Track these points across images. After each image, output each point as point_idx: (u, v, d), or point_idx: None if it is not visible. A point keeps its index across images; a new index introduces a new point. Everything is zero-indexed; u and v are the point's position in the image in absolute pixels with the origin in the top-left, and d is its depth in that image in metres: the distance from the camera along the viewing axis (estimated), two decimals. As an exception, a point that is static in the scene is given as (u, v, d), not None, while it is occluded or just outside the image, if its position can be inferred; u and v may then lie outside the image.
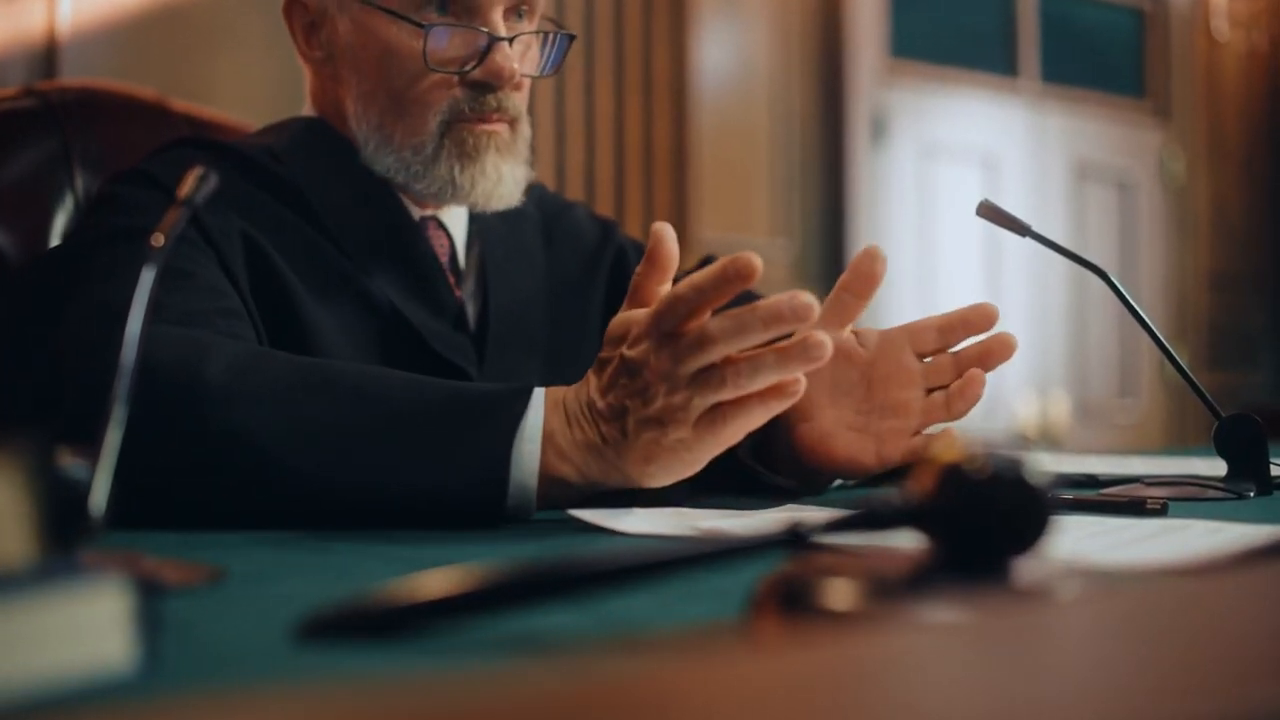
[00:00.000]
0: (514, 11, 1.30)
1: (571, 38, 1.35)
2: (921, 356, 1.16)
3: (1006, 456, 0.57)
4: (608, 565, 0.57)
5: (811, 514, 0.95)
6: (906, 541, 0.59)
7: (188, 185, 0.77)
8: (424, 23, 1.25)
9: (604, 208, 3.65)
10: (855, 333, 1.17)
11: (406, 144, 1.28)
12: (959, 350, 1.16)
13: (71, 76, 2.62)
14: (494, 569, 0.56)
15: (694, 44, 3.84)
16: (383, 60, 1.28)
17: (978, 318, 1.15)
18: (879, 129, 4.38)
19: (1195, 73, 5.35)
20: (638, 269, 1.00)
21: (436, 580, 0.56)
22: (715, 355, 0.90)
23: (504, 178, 1.30)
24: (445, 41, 1.26)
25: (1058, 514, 0.57)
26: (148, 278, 0.71)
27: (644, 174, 3.78)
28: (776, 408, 0.92)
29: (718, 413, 0.92)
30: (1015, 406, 4.69)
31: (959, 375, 1.14)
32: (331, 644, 0.54)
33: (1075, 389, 4.90)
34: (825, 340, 0.89)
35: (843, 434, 1.15)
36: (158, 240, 0.73)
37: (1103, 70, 5.19)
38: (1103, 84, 5.16)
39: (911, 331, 1.16)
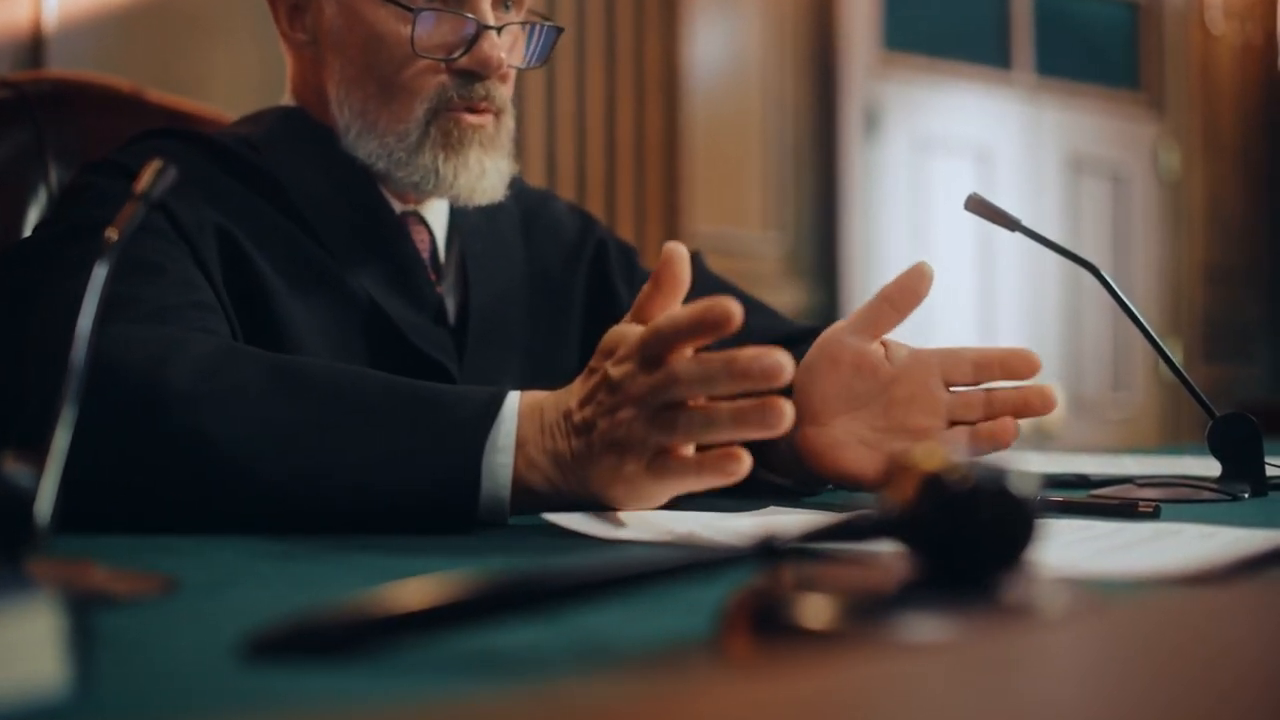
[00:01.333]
0: (501, 1, 1.27)
1: (559, 30, 1.32)
2: (949, 385, 1.12)
3: (990, 464, 0.54)
4: (575, 579, 0.55)
5: (789, 520, 0.92)
6: (886, 553, 0.57)
7: (145, 178, 0.74)
8: (412, 7, 1.23)
9: (595, 201, 3.62)
10: (885, 344, 1.13)
11: (391, 130, 1.26)
12: (995, 390, 1.12)
13: (58, 69, 2.59)
14: (456, 582, 0.53)
15: (686, 36, 3.82)
16: (369, 44, 1.25)
17: (1019, 363, 1.10)
18: (872, 122, 4.36)
19: (1190, 66, 5.33)
20: (644, 287, 0.96)
21: (395, 595, 0.53)
22: (678, 396, 0.87)
23: (487, 172, 1.27)
24: (432, 27, 1.24)
25: (1043, 525, 0.55)
26: (100, 275, 0.69)
27: (636, 167, 3.76)
28: (710, 481, 0.89)
29: (666, 459, 0.89)
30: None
31: (988, 415, 1.10)
32: (281, 663, 0.51)
33: (1069, 383, 4.88)
34: (786, 410, 0.86)
35: (853, 446, 1.11)
36: (112, 235, 0.70)
37: (1097, 63, 5.17)
38: (1097, 77, 5.14)
39: (945, 358, 1.11)
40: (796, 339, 1.34)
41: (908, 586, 0.54)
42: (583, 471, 0.92)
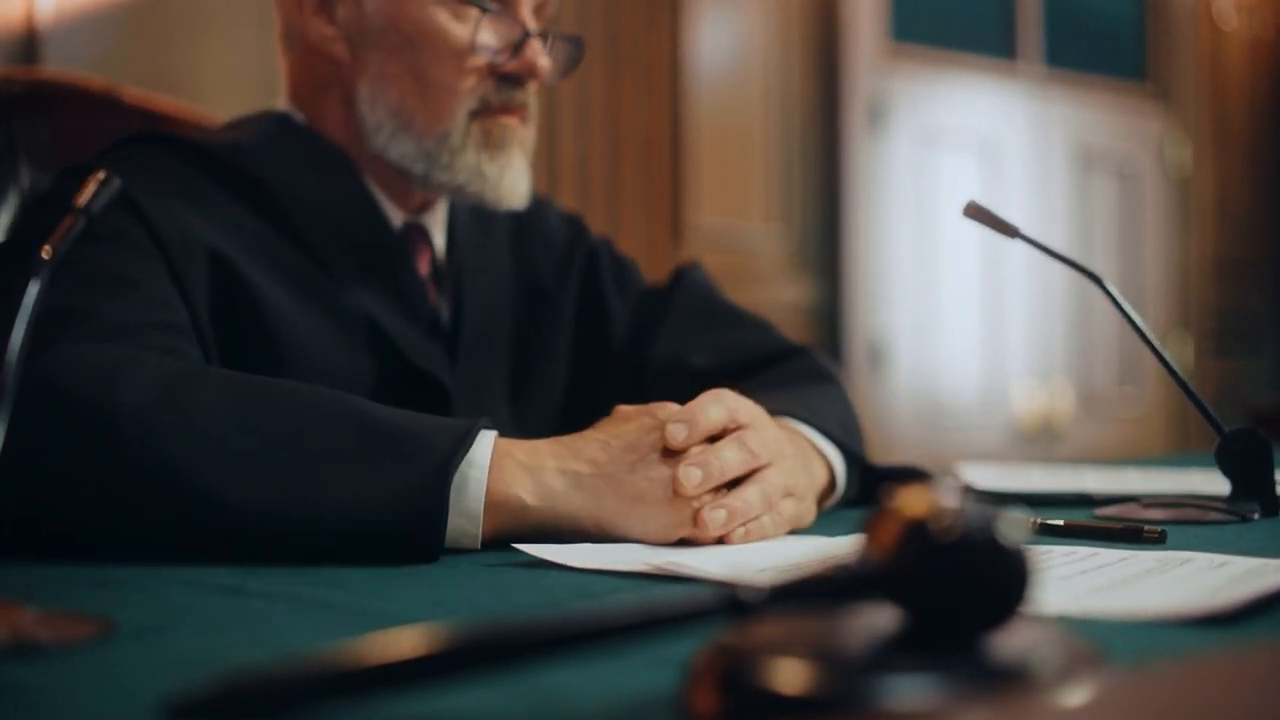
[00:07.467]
0: (536, 11, 1.26)
1: (579, 42, 1.32)
2: None
3: (978, 513, 0.50)
4: (529, 634, 0.50)
5: (767, 556, 0.87)
6: (866, 608, 0.52)
7: (87, 192, 0.69)
8: (479, 4, 1.21)
9: (599, 196, 3.58)
10: None
11: (429, 131, 1.23)
12: None
13: (53, 65, 2.55)
14: (400, 638, 0.49)
15: (689, 29, 3.77)
16: (416, 41, 1.22)
17: None
18: (877, 114, 4.31)
19: (1199, 59, 5.28)
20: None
21: (333, 652, 0.49)
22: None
23: (522, 174, 1.27)
24: (485, 29, 1.22)
25: (1037, 575, 0.50)
26: (32, 292, 0.64)
27: (640, 160, 3.71)
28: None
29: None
30: (1016, 395, 4.62)
31: None
32: (203, 729, 0.47)
33: (1078, 379, 4.83)
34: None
35: None
36: (47, 252, 0.66)
37: (1105, 55, 5.12)
38: (1105, 69, 5.09)
39: None
40: (776, 358, 1.31)
41: (890, 646, 0.50)
42: (607, 478, 0.93)
